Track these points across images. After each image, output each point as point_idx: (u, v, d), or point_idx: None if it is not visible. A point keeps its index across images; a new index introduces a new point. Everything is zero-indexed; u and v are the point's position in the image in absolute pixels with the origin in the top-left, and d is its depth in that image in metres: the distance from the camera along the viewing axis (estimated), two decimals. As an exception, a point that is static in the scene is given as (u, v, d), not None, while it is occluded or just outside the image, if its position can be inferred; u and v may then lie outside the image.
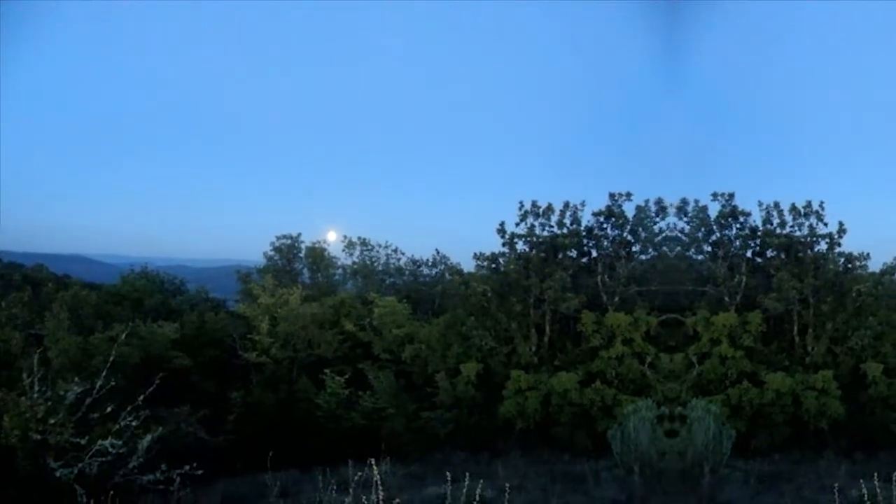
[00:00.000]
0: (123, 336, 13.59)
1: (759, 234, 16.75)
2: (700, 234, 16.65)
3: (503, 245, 17.36)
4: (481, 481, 7.94)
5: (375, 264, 25.99)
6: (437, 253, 25.19)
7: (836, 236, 16.48)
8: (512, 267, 17.23)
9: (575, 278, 16.60)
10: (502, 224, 17.28)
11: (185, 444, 14.08)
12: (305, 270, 25.48)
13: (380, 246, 26.36)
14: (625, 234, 16.74)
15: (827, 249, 16.62)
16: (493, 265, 17.52)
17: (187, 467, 10.18)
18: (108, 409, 10.74)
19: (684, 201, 16.62)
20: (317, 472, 12.24)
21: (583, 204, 17.16)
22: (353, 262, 26.05)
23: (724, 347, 15.31)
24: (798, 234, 16.52)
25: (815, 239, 16.55)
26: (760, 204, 16.83)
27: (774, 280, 15.97)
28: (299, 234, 25.40)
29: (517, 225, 17.21)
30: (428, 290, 23.84)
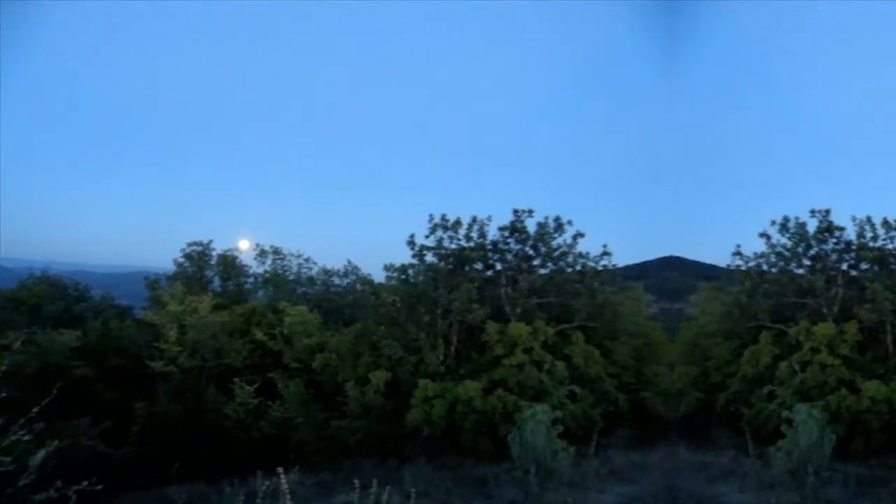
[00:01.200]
0: (18, 343, 13.12)
1: (854, 247, 17.24)
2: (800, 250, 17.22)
3: (413, 257, 17.74)
4: (388, 487, 8.14)
5: (287, 273, 25.87)
6: (349, 263, 25.38)
7: (927, 248, 17.12)
8: (421, 278, 17.63)
9: (480, 290, 17.16)
10: (412, 236, 17.69)
11: (84, 459, 13.72)
12: (216, 278, 25.08)
13: (292, 255, 26.24)
14: (526, 249, 17.56)
15: (919, 261, 17.28)
16: (403, 276, 17.93)
17: (85, 483, 9.98)
18: (-2, 423, 10.36)
19: (786, 218, 17.28)
20: (224, 483, 12.25)
21: (489, 218, 17.78)
22: (265, 271, 25.83)
23: (824, 356, 15.81)
24: (890, 246, 17.05)
25: (906, 251, 17.27)
26: (854, 218, 17.34)
27: (868, 291, 16.43)
28: (210, 242, 24.97)
29: (427, 237, 17.63)
30: (339, 300, 23.94)
